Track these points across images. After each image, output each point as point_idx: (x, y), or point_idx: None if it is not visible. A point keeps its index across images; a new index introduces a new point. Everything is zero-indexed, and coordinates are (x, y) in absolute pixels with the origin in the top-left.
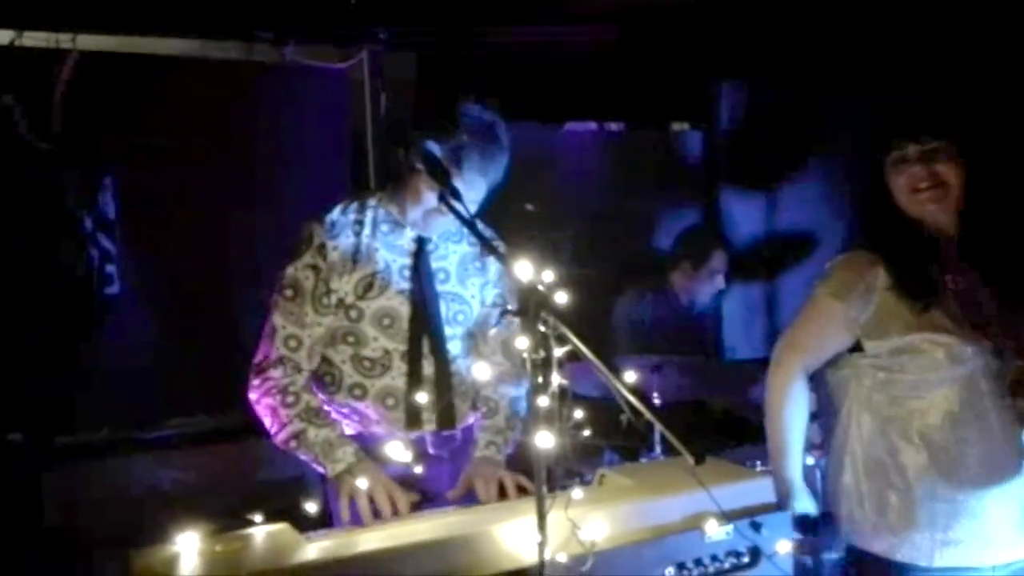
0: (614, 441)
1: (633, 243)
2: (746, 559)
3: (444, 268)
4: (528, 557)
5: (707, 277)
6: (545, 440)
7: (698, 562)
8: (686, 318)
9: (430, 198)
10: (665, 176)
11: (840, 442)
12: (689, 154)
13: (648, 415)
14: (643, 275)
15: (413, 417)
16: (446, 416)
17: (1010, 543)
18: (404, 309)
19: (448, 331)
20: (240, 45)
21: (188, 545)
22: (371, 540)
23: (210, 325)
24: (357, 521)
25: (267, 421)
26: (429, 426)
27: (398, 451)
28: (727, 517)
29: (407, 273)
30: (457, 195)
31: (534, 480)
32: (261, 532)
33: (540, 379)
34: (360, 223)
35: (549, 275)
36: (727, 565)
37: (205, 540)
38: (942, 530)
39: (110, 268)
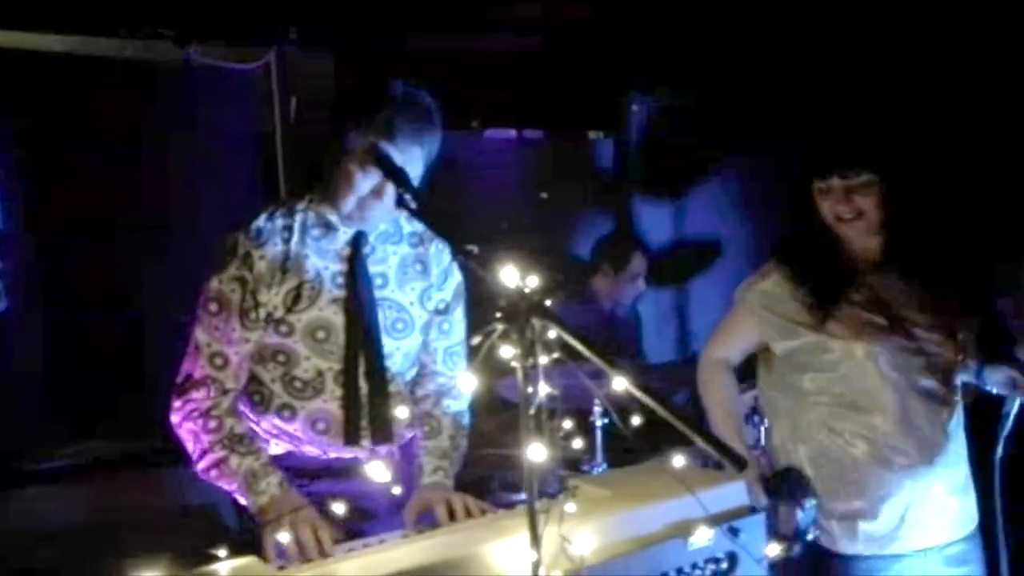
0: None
1: (551, 250)
2: (724, 564)
3: (382, 272)
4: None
5: (628, 281)
6: (536, 453)
7: (680, 571)
8: (609, 324)
9: (363, 183)
10: (581, 184)
11: (779, 440)
12: (603, 162)
13: (679, 422)
14: (564, 282)
15: (352, 436)
16: (382, 433)
17: (941, 527)
18: (338, 319)
19: (388, 344)
20: (139, 44)
21: None
22: (351, 569)
23: (111, 345)
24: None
25: (189, 447)
26: (366, 443)
27: (379, 471)
28: (712, 523)
29: (340, 280)
30: (418, 197)
31: (484, 498)
32: (227, 567)
33: (529, 389)
34: (289, 229)
35: (534, 280)
36: (708, 572)
37: None
38: (875, 519)
39: None
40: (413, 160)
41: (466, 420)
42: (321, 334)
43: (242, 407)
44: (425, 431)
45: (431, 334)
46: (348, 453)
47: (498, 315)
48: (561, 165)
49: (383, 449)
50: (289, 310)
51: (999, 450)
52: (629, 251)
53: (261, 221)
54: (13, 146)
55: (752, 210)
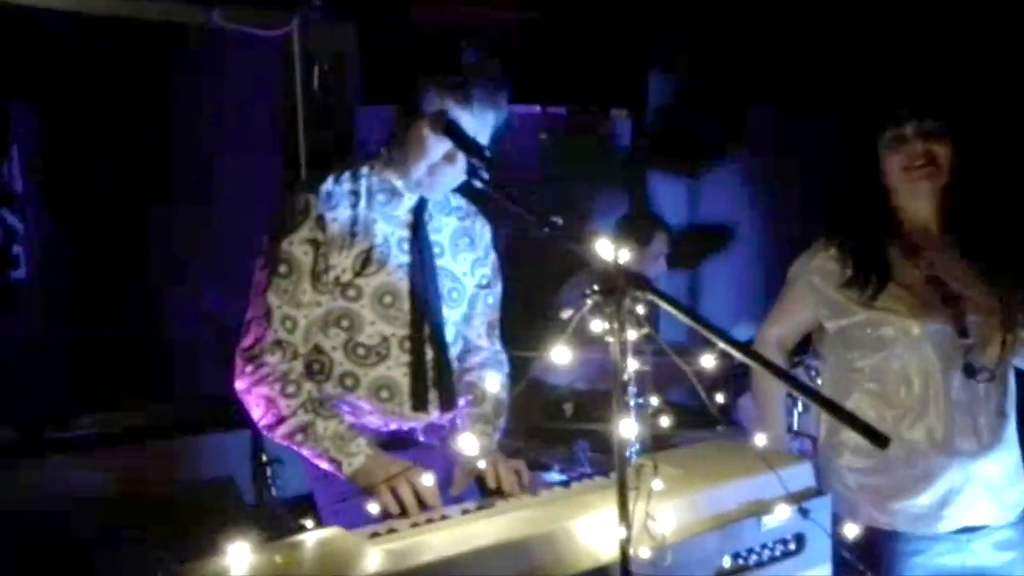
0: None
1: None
2: (792, 546)
3: (439, 241)
4: (606, 553)
5: (651, 259)
6: (627, 428)
7: (751, 551)
8: None
9: (436, 148)
10: (601, 162)
11: (830, 423)
12: (622, 142)
13: (813, 399)
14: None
15: (420, 403)
16: (447, 400)
17: (989, 509)
18: (404, 285)
19: (444, 312)
20: (161, 5)
21: (241, 557)
22: (440, 542)
23: (130, 313)
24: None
25: (258, 412)
26: (434, 412)
27: (470, 444)
28: (786, 502)
29: (406, 246)
30: (490, 165)
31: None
32: (314, 538)
33: (623, 364)
34: (355, 193)
35: (625, 254)
36: (777, 552)
37: (259, 550)
38: (918, 497)
39: (16, 249)
40: (485, 126)
41: (505, 394)
42: (388, 299)
43: None
44: (469, 399)
45: (476, 307)
46: (408, 424)
47: (595, 288)
48: (581, 142)
49: (443, 418)
50: (358, 274)
51: None
52: (652, 229)
53: (329, 184)
54: (32, 110)
55: (765, 194)
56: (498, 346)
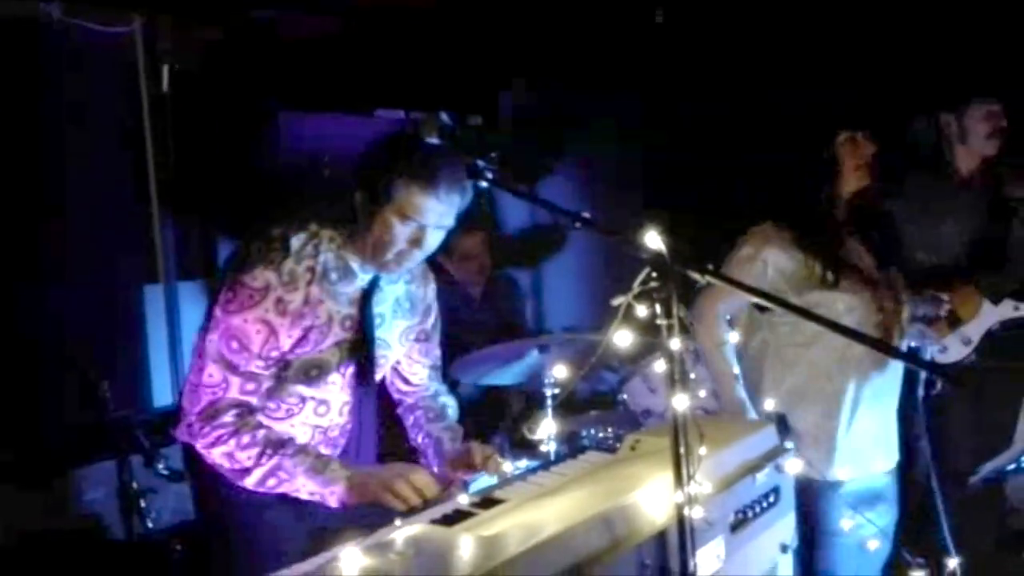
0: (506, 426)
1: None
2: (772, 498)
3: (381, 313)
4: (660, 518)
5: (460, 261)
6: (681, 402)
7: (748, 506)
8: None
9: (402, 235)
10: None
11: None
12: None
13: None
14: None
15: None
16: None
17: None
18: (334, 359)
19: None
20: None
21: (352, 560)
22: (529, 522)
23: None
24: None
25: (225, 466)
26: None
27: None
28: (769, 460)
29: (348, 323)
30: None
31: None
32: (403, 534)
33: (672, 344)
34: (312, 271)
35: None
36: (764, 504)
37: (365, 554)
38: (834, 449)
39: None
40: (452, 208)
41: (456, 413)
42: (314, 372)
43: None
44: (429, 416)
45: (413, 355)
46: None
47: (652, 274)
48: None
49: None
50: (290, 350)
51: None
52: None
53: (291, 263)
54: None
55: (599, 194)
56: (445, 387)
